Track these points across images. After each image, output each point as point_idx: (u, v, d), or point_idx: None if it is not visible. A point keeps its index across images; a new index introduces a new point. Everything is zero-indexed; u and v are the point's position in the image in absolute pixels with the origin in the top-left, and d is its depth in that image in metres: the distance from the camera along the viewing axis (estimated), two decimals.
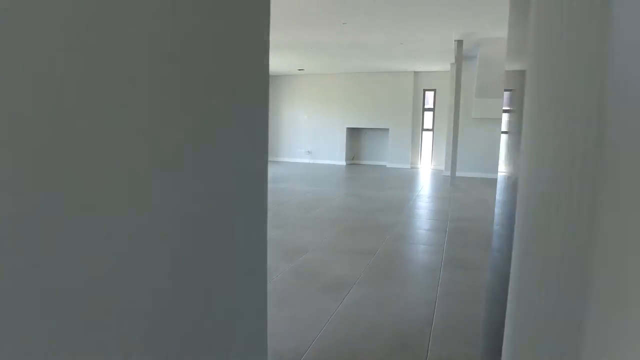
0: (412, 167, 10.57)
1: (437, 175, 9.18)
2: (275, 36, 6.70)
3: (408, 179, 8.45)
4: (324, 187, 6.94)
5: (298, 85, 11.43)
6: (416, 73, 10.32)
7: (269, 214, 1.27)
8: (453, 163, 7.56)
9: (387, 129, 10.76)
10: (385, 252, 3.38)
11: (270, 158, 11.95)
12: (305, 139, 11.51)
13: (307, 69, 10.42)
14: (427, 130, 10.48)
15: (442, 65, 9.33)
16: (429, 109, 10.43)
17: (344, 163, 11.07)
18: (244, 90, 1.06)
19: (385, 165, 10.87)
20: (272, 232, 3.83)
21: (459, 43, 7.15)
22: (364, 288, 2.58)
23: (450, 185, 7.50)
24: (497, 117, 8.73)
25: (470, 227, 4.34)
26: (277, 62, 9.49)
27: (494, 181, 8.29)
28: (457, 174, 8.31)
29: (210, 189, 0.94)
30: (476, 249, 3.52)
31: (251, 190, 1.14)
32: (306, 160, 11.55)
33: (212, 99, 0.93)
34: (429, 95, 10.43)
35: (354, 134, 11.37)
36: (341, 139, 11.07)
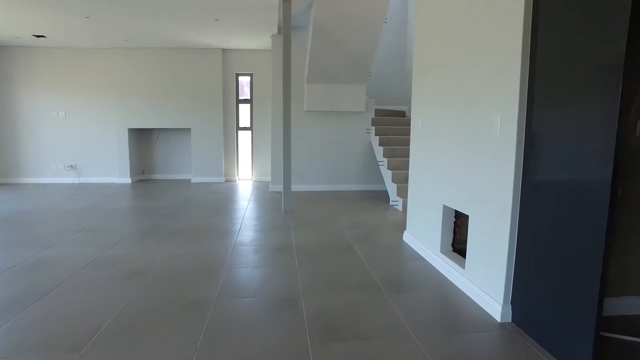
0: (227, 181, 7.80)
1: (262, 191, 6.62)
2: None
3: (221, 203, 5.64)
4: (61, 245, 3.59)
5: (42, 63, 7.38)
6: (225, 51, 7.54)
7: None
8: (286, 177, 5.06)
9: (189, 129, 7.73)
10: None
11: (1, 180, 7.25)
12: (65, 148, 7.55)
13: (52, 36, 6.58)
14: (245, 129, 7.84)
15: (261, 40, 6.79)
16: (245, 101, 7.79)
17: (129, 180, 7.58)
18: None
19: (189, 180, 7.82)
20: None
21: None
22: None
23: (284, 213, 4.99)
24: (339, 110, 6.61)
25: None
26: None
27: (347, 198, 5.43)
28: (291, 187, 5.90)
29: None
30: None
31: None
32: (68, 180, 7.61)
33: None
34: (244, 82, 7.78)
35: (142, 138, 7.94)
36: (122, 145, 7.52)
